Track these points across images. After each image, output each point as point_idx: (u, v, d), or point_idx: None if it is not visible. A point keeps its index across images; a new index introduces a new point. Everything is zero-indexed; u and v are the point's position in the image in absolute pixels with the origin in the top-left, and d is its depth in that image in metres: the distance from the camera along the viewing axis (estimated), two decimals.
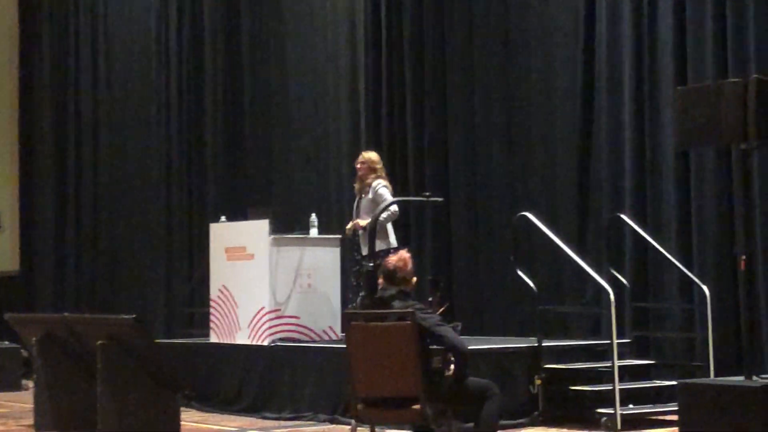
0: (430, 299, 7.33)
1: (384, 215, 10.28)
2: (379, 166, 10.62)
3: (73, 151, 16.87)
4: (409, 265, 7.13)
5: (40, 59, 17.48)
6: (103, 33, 16.63)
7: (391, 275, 7.09)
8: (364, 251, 10.34)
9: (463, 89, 12.65)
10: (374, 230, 10.16)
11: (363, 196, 10.59)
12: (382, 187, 10.49)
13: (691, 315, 10.52)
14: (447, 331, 6.86)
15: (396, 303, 6.97)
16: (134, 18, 16.40)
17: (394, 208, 10.42)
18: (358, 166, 10.66)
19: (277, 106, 14.84)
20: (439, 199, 10.43)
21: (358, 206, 10.66)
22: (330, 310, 10.96)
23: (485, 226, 12.43)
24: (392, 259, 7.17)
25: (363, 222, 10.41)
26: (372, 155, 10.70)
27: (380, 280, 7.24)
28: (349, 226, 10.72)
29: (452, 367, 6.93)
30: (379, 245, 10.30)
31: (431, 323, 6.81)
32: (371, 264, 9.67)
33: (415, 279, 7.21)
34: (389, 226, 10.52)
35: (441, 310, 7.33)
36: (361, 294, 10.13)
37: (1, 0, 17.59)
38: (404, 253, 7.27)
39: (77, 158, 16.84)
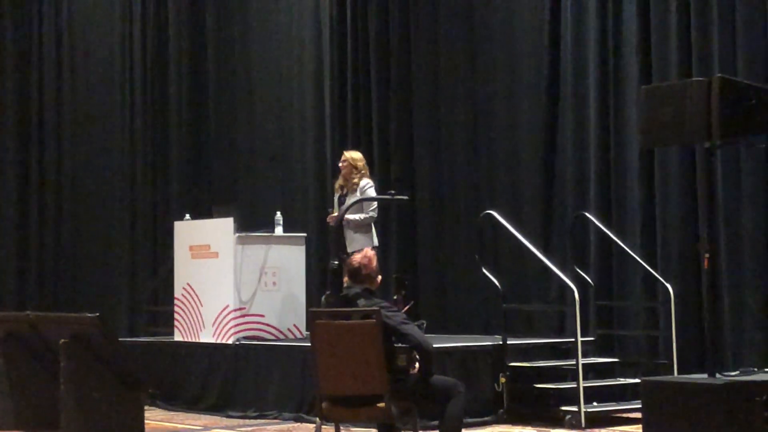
0: (395, 297, 7.32)
1: (364, 216, 10.36)
2: (362, 164, 10.63)
3: (36, 149, 16.73)
4: (374, 263, 7.12)
5: (2, 56, 17.34)
6: (67, 32, 16.51)
7: (356, 273, 7.08)
8: (350, 248, 10.29)
9: (428, 89, 12.68)
10: (341, 228, 10.17)
11: (349, 194, 10.55)
12: (370, 188, 10.53)
13: (655, 313, 10.57)
14: (412, 329, 6.86)
15: (361, 301, 6.96)
16: (98, 18, 16.29)
17: (375, 209, 10.52)
18: (341, 164, 10.64)
19: (241, 104, 14.81)
20: (404, 197, 10.44)
21: (341, 204, 10.60)
22: (295, 309, 10.94)
23: (450, 225, 12.45)
24: (357, 257, 7.16)
25: (351, 216, 10.42)
26: (354, 154, 10.68)
27: (345, 278, 7.22)
28: (331, 219, 10.66)
29: (417, 365, 6.93)
30: (364, 243, 10.30)
31: (396, 322, 6.80)
32: (336, 262, 9.65)
33: (380, 278, 7.19)
34: (372, 225, 10.57)
35: (406, 308, 7.34)
36: (326, 292, 10.12)
37: None
38: (369, 251, 7.25)
39: (40, 156, 16.70)
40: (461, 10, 12.49)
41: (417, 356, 6.91)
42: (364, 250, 7.26)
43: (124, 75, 15.87)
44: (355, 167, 10.55)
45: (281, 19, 14.51)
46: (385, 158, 12.86)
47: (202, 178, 15.01)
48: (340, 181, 10.70)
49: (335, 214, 10.55)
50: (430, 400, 6.93)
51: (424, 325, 10.00)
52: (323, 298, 10.19)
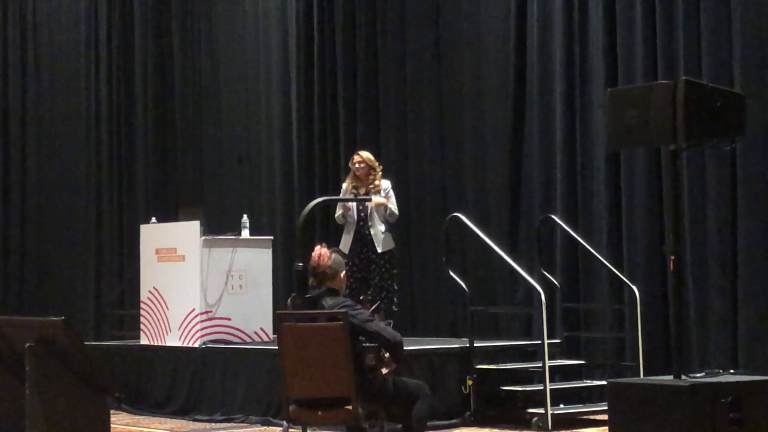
0: (362, 297, 7.30)
1: (391, 217, 10.49)
2: (377, 164, 10.62)
3: (0, 151, 16.64)
4: (329, 260, 7.01)
5: None
6: (31, 26, 16.42)
7: (314, 272, 7.03)
8: (379, 249, 10.36)
9: (395, 90, 12.69)
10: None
11: (372, 194, 10.46)
12: (391, 189, 10.57)
13: (621, 315, 10.61)
14: (377, 326, 6.84)
15: (326, 301, 6.92)
16: (63, 20, 16.21)
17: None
18: (357, 165, 10.55)
19: (208, 105, 14.78)
20: (367, 198, 10.43)
21: (361, 204, 10.52)
22: (262, 312, 10.91)
23: (417, 227, 12.45)
24: (313, 257, 7.08)
25: (377, 199, 10.40)
26: (369, 155, 10.64)
27: (311, 280, 7.18)
28: (341, 217, 10.60)
29: (385, 367, 6.90)
30: (390, 242, 10.48)
31: (361, 320, 6.77)
32: (300, 264, 9.55)
33: (342, 274, 7.11)
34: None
35: (372, 308, 7.32)
36: (292, 294, 10.05)
37: None
38: (318, 248, 7.13)
39: (5, 159, 16.60)
40: (428, 13, 12.51)
41: (386, 355, 6.88)
42: (316, 249, 7.16)
43: (89, 77, 15.80)
44: (373, 168, 10.53)
45: (247, 20, 14.48)
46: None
47: (168, 181, 14.96)
48: (352, 182, 10.62)
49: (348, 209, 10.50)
50: (396, 402, 6.92)
51: (392, 324, 10.02)
52: (289, 300, 10.14)
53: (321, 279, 7.01)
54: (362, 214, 10.54)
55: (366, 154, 10.64)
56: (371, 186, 10.49)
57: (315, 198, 12.89)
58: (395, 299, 10.50)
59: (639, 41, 10.59)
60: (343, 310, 6.75)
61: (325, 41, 13.25)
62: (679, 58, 10.28)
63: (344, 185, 10.73)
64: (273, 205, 13.80)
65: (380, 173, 10.59)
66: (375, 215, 10.47)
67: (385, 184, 10.55)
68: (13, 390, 9.57)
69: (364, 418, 6.66)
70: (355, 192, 10.57)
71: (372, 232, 10.46)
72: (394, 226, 10.78)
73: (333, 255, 7.06)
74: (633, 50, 10.64)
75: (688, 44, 10.23)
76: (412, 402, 6.87)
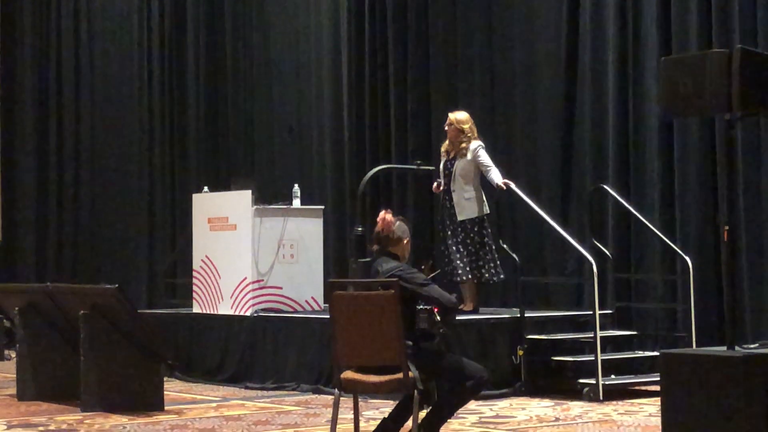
0: (422, 267, 7.20)
1: (495, 178, 9.93)
2: (467, 126, 10.04)
3: (54, 123, 16.79)
4: (390, 226, 6.95)
5: (21, 32, 17.35)
6: (85, 5, 16.52)
7: (377, 237, 6.99)
8: (461, 216, 9.95)
9: (446, 59, 12.63)
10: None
11: (458, 158, 10.05)
12: (482, 150, 10.01)
13: (674, 286, 10.56)
14: (431, 289, 6.76)
15: (381, 266, 6.89)
16: None
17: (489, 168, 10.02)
18: (447, 128, 10.15)
19: (259, 76, 14.79)
20: (430, 167, 10.21)
21: (448, 168, 10.11)
22: (312, 281, 10.96)
23: None
24: (378, 221, 7.04)
25: (499, 180, 9.92)
26: (460, 115, 10.11)
27: (374, 246, 7.12)
28: (437, 187, 10.23)
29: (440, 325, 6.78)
30: (472, 211, 9.97)
31: (415, 284, 6.70)
32: (360, 228, 9.50)
33: (406, 241, 7.05)
34: (482, 192, 10.14)
35: (431, 276, 7.22)
36: (351, 258, 10.02)
37: None
38: (383, 213, 7.05)
39: (59, 130, 16.75)
40: None
41: (437, 317, 6.79)
42: (381, 214, 7.10)
43: (142, 49, 15.88)
44: (462, 130, 10.03)
45: None
46: (402, 131, 12.83)
47: (220, 151, 15.02)
48: (446, 146, 10.20)
49: (440, 181, 10.12)
50: (446, 376, 6.85)
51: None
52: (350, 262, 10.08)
53: (383, 244, 6.97)
54: (446, 180, 10.13)
55: (455, 115, 10.14)
56: (460, 148, 10.04)
57: (365, 168, 12.99)
58: (460, 270, 9.98)
59: (693, 9, 10.48)
60: (397, 274, 6.72)
61: (376, 12, 13.21)
62: (734, 26, 10.18)
63: (441, 148, 10.35)
64: (323, 175, 13.83)
65: (472, 135, 10.04)
66: (459, 180, 10.01)
67: (474, 144, 10.00)
68: (67, 356, 9.71)
69: (420, 380, 6.58)
70: (446, 156, 10.17)
71: (454, 199, 10.07)
72: (491, 191, 10.21)
73: (398, 222, 7.02)
74: (687, 18, 10.54)
75: (743, 12, 10.12)
76: (464, 381, 6.80)
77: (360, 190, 10.15)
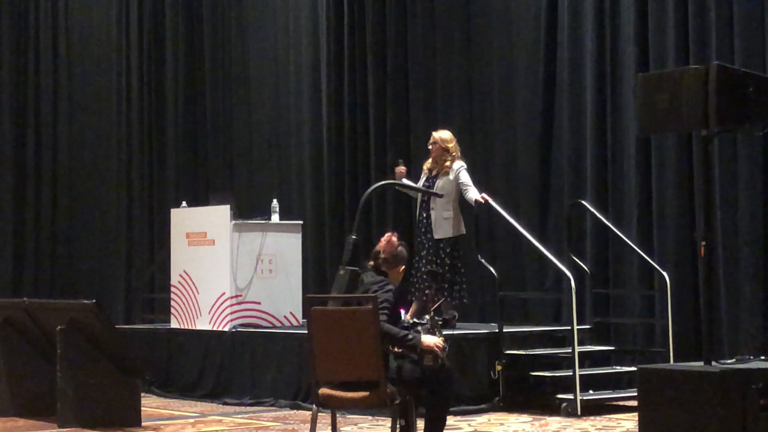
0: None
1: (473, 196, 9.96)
2: (452, 145, 10.12)
3: (32, 134, 16.71)
4: (393, 249, 6.93)
5: None
6: (63, 17, 16.48)
7: (375, 255, 6.96)
8: (437, 235, 10.01)
9: (425, 74, 12.65)
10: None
11: (440, 176, 10.12)
12: (464, 170, 10.08)
13: (651, 301, 10.58)
14: (383, 324, 6.65)
15: (366, 276, 6.88)
16: (94, 3, 16.26)
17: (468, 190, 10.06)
18: (430, 146, 10.22)
19: (237, 90, 14.80)
20: (440, 195, 10.14)
21: (428, 186, 10.17)
22: (291, 296, 10.94)
23: None
24: (382, 240, 7.01)
25: (476, 195, 9.96)
26: (443, 134, 10.18)
27: (370, 262, 7.08)
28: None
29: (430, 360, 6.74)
30: (448, 230, 10.04)
31: (378, 302, 6.61)
32: (355, 236, 9.41)
33: (402, 268, 6.99)
34: (459, 212, 10.20)
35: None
36: (339, 266, 9.97)
37: None
38: (388, 235, 7.01)
39: (36, 142, 16.67)
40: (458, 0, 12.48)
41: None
42: (386, 236, 7.08)
43: (120, 61, 15.85)
44: (446, 149, 10.10)
45: (278, 4, 14.48)
46: (381, 144, 12.85)
47: (198, 165, 15.01)
48: (428, 164, 10.26)
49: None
50: (424, 385, 6.85)
51: (456, 317, 9.91)
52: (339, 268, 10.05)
53: (378, 264, 6.95)
54: (425, 198, 10.23)
55: (439, 134, 10.21)
56: (444, 166, 10.10)
57: (344, 183, 13.00)
58: (455, 293, 10.06)
59: (670, 25, 10.53)
60: (374, 290, 6.71)
61: (356, 25, 13.24)
62: (711, 42, 10.23)
63: (424, 165, 10.40)
64: (302, 190, 13.82)
65: (456, 154, 10.12)
66: (439, 199, 10.07)
67: (457, 165, 10.08)
68: (44, 371, 9.65)
69: (396, 395, 6.57)
70: (428, 173, 10.24)
71: (432, 217, 10.14)
72: (469, 209, 10.28)
73: (400, 247, 6.99)
74: (664, 35, 10.59)
75: (719, 28, 10.17)
76: (438, 384, 6.82)
77: (361, 204, 10.16)
